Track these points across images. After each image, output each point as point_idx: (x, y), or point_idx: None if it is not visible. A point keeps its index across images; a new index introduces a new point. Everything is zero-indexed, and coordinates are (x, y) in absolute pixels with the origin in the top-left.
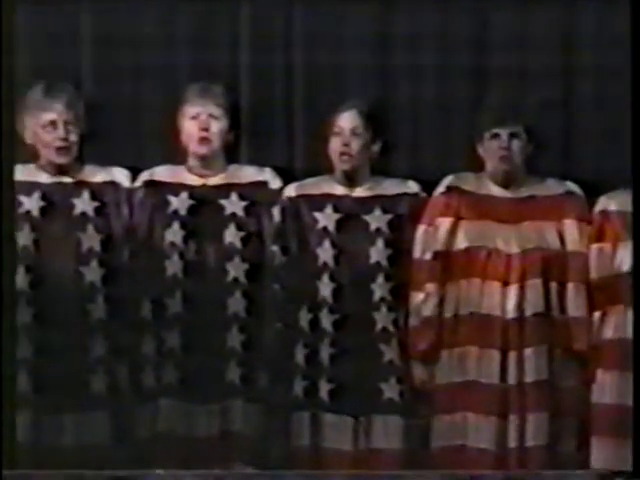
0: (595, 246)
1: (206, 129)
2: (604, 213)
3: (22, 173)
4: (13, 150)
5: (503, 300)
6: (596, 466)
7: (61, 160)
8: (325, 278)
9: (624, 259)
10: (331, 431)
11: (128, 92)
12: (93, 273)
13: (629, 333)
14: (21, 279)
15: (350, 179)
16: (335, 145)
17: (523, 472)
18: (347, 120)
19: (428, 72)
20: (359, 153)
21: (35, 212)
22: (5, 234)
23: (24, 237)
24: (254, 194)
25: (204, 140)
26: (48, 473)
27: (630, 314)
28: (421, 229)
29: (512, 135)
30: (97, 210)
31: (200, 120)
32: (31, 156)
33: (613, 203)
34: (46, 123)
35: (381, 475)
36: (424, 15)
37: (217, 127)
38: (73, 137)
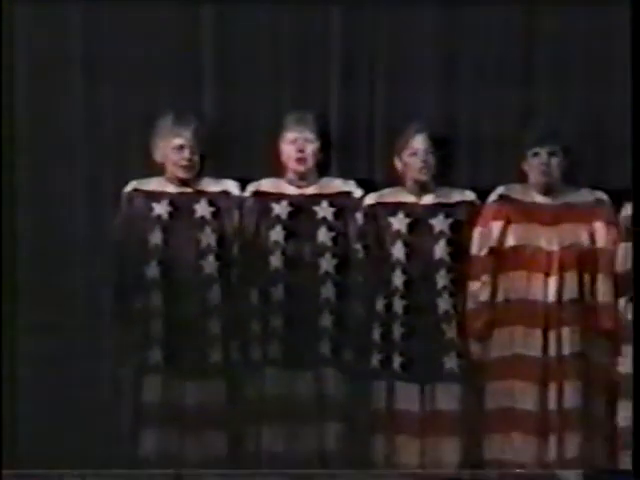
0: (622, 245)
1: (302, 151)
2: (627, 218)
3: (154, 184)
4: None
5: (545, 288)
6: (622, 423)
7: (185, 176)
8: (398, 271)
9: None
10: (402, 396)
11: (239, 118)
12: (210, 266)
13: None
14: (153, 270)
15: (423, 189)
16: (414, 163)
17: (519, 472)
18: (421, 142)
19: (487, 103)
20: (433, 167)
21: (164, 216)
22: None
23: (155, 237)
24: (341, 202)
25: (301, 160)
26: (48, 473)
27: None
28: (477, 230)
29: (550, 154)
30: (213, 214)
31: (297, 144)
32: (159, 171)
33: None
34: (175, 146)
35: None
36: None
37: (311, 149)
38: (196, 158)
